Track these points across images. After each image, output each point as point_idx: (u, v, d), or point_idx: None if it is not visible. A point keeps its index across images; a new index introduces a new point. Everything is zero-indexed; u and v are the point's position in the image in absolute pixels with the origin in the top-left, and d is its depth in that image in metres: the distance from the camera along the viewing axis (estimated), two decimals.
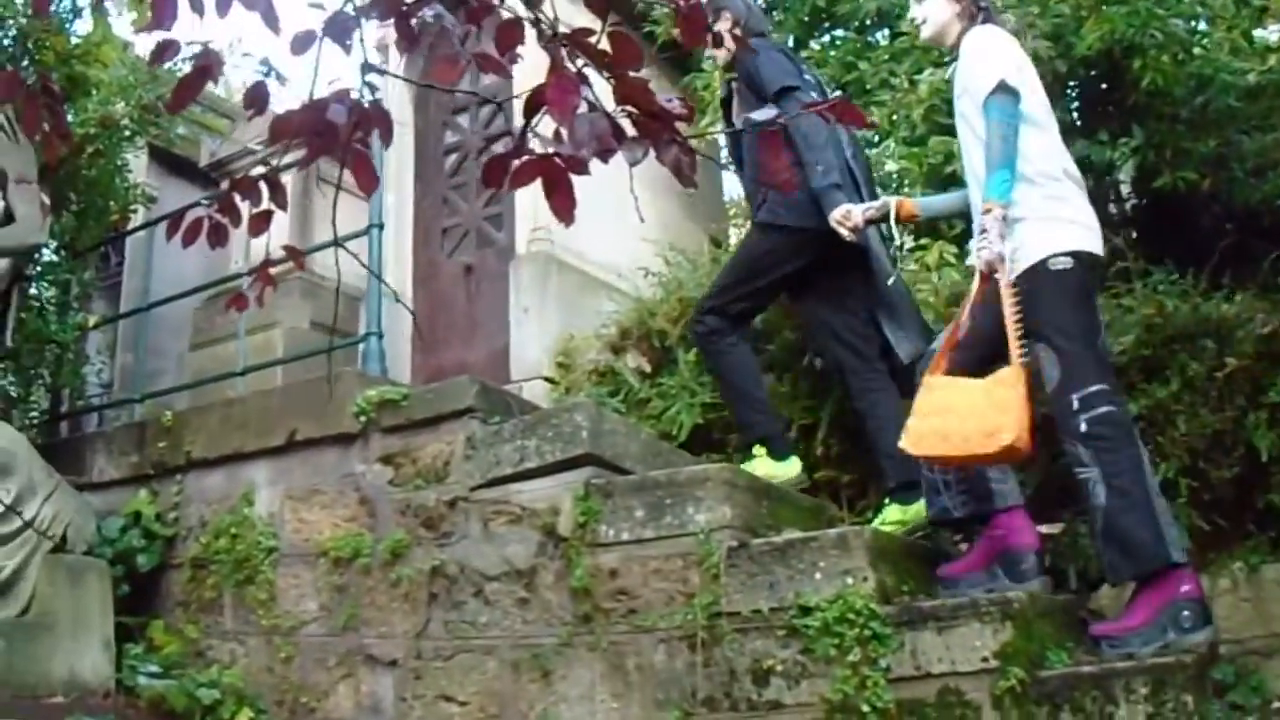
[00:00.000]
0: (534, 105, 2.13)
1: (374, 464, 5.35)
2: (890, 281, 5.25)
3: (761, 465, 5.10)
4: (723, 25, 5.37)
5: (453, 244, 7.83)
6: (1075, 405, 4.01)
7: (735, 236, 8.76)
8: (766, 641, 4.10)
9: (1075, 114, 6.58)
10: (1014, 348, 3.97)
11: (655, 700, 4.29)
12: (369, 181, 2.38)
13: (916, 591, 4.22)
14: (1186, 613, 3.86)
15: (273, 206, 2.75)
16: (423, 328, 7.17)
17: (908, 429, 4.15)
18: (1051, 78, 5.59)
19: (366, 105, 2.33)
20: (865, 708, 3.81)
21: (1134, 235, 6.18)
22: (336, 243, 3.05)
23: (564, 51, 2.09)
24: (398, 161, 7.83)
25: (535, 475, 4.78)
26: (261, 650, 5.53)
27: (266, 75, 3.11)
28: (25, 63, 6.61)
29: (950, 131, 5.45)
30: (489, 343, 7.36)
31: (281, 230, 7.41)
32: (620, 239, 6.96)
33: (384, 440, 5.35)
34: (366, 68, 2.41)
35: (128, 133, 7.49)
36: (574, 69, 2.08)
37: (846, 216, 4.96)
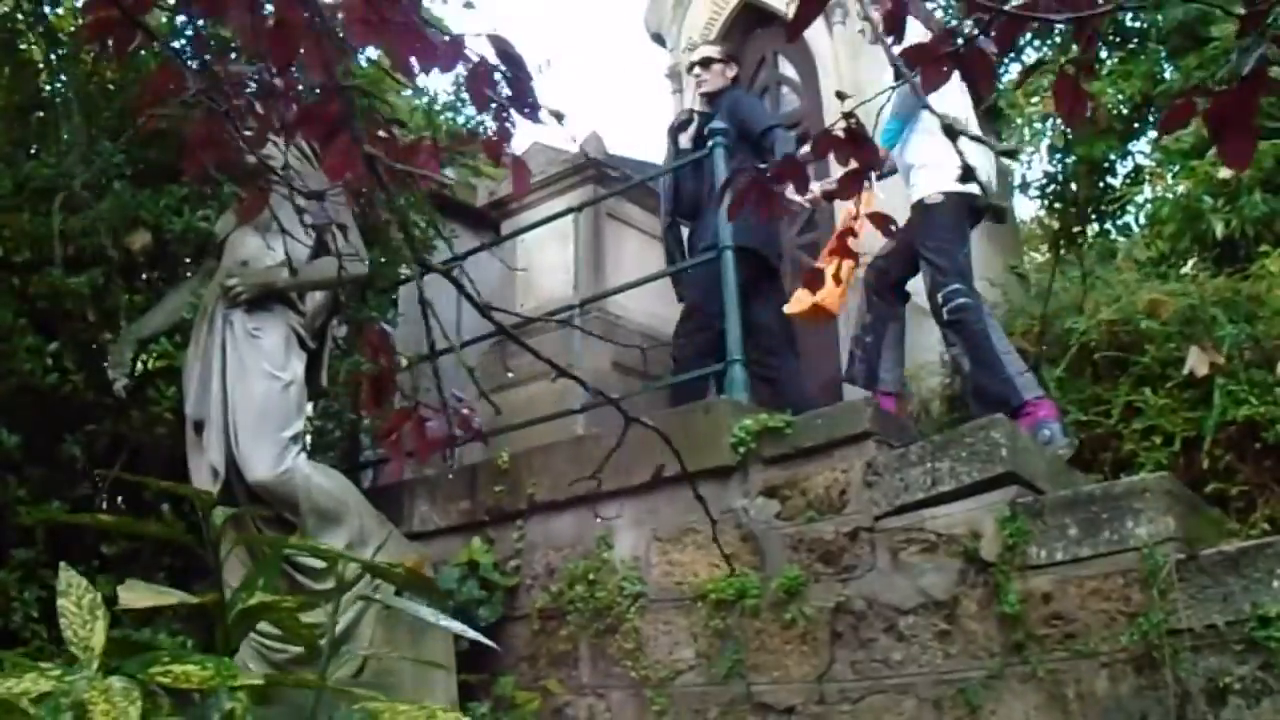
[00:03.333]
0: None
1: (756, 498, 5.37)
2: None
3: None
4: None
5: None
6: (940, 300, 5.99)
7: (1028, 262, 9.75)
8: (1222, 658, 4.03)
9: None
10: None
11: None
12: (988, 85, 2.33)
13: None
14: (1046, 431, 5.58)
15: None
16: None
17: None
18: None
19: None
20: None
21: None
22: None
23: None
24: None
25: (951, 499, 4.79)
26: (628, 704, 5.58)
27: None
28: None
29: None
30: (816, 374, 7.42)
31: (567, 272, 7.70)
32: None
33: (766, 472, 5.38)
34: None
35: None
36: None
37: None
